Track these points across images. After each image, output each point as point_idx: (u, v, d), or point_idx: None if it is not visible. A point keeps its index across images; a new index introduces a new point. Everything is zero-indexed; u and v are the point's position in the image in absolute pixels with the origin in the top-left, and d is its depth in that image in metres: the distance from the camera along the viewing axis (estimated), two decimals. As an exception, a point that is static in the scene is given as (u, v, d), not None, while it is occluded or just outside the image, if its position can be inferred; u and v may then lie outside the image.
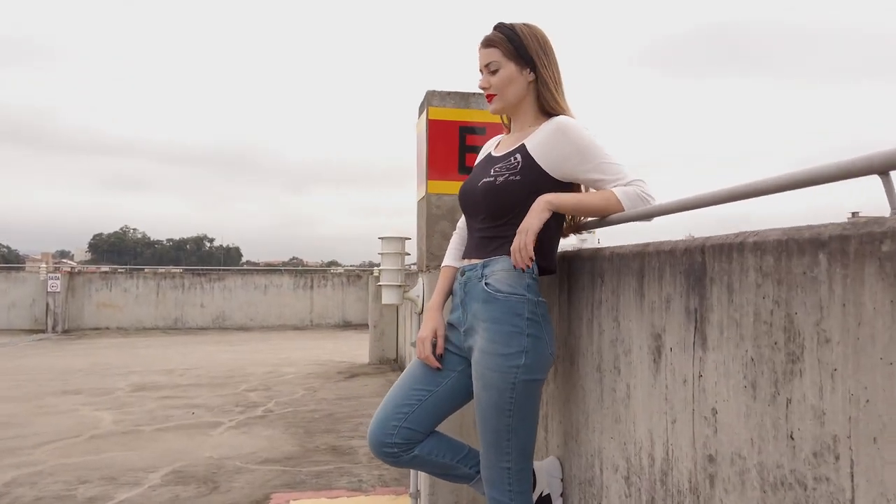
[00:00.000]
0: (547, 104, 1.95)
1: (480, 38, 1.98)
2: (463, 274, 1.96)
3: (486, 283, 1.87)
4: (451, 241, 2.22)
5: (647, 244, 1.55)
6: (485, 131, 2.65)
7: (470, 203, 2.01)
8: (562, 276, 2.14)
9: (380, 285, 2.75)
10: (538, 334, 1.81)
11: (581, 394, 1.95)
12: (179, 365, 8.82)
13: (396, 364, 8.45)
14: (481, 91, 2.56)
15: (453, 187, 2.63)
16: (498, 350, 1.79)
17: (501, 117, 2.15)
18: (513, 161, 1.91)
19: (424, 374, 2.01)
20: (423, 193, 2.67)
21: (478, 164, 2.15)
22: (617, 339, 1.69)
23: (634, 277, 1.59)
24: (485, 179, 1.94)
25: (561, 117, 1.88)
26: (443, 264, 2.16)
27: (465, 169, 2.64)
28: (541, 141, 1.87)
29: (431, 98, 2.65)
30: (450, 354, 2.01)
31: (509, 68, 1.92)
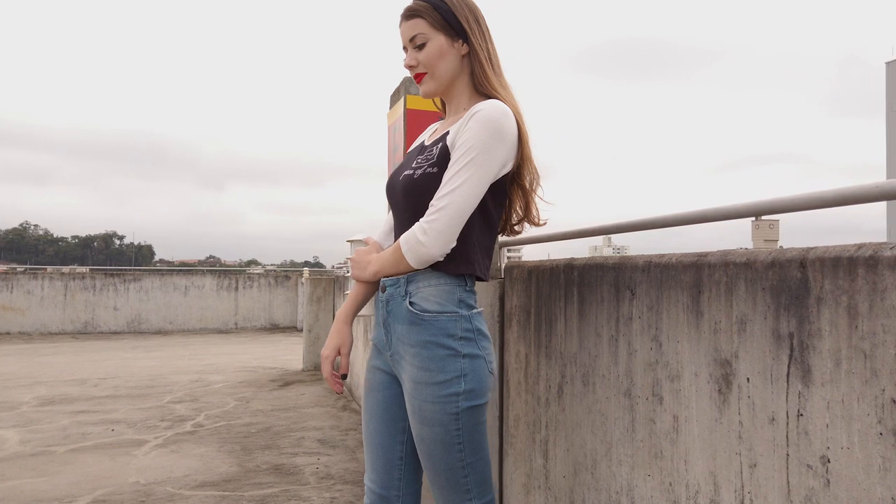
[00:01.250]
0: (480, 83, 1.68)
1: (400, 11, 1.71)
2: (384, 289, 1.68)
3: (410, 303, 1.60)
4: (380, 228, 1.90)
5: (706, 254, 1.34)
6: (468, 124, 2.39)
7: (393, 199, 1.73)
8: (568, 285, 1.91)
9: (346, 293, 2.44)
10: (475, 352, 1.56)
11: (599, 420, 1.72)
12: (93, 374, 8.12)
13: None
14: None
15: (434, 185, 2.36)
16: (432, 378, 1.54)
17: (434, 101, 1.88)
18: (433, 151, 1.64)
19: (383, 419, 1.71)
20: (400, 192, 2.38)
21: (408, 152, 1.87)
22: (657, 363, 1.47)
23: (686, 292, 1.38)
24: (406, 172, 1.67)
25: (488, 102, 1.59)
26: None
27: (446, 165, 2.37)
28: (459, 127, 1.59)
29: (409, 85, 2.37)
30: (388, 384, 1.71)
31: (438, 40, 1.65)
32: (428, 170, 1.60)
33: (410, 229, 1.55)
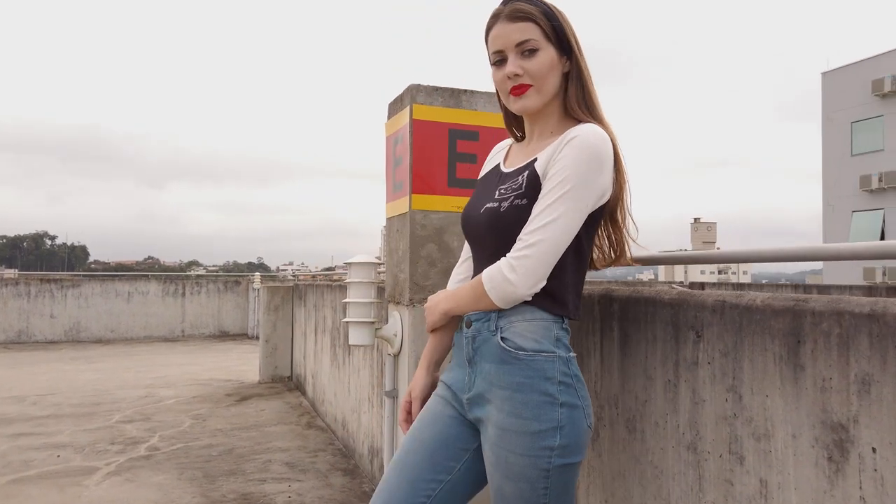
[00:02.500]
0: (574, 106, 1.52)
1: (496, 10, 1.52)
2: (469, 324, 1.50)
3: (502, 338, 1.43)
4: (452, 275, 1.75)
5: (805, 299, 1.18)
6: (477, 137, 2.20)
7: (474, 233, 1.57)
8: (606, 318, 1.74)
9: (347, 321, 2.22)
10: (574, 401, 1.40)
11: (651, 473, 1.55)
12: (31, 389, 7.57)
13: (292, 382, 7.75)
14: (471, 89, 2.15)
15: (442, 203, 2.17)
16: (524, 427, 1.37)
17: (510, 121, 1.70)
18: (519, 180, 1.48)
19: (430, 455, 1.52)
20: (405, 209, 2.17)
21: (482, 179, 1.69)
22: (736, 417, 1.31)
23: (777, 340, 1.22)
24: (489, 205, 1.51)
25: (585, 126, 1.44)
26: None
27: (455, 182, 2.18)
28: (552, 154, 1.44)
29: (416, 94, 2.16)
30: (456, 424, 1.53)
31: (550, 52, 1.48)
32: (515, 201, 1.44)
33: (496, 264, 1.40)
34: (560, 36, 1.49)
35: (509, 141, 1.73)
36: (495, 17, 1.52)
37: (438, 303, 1.57)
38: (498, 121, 2.21)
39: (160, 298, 13.50)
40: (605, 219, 1.55)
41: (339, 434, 5.02)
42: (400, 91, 2.28)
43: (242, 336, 13.96)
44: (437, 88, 2.19)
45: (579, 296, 1.51)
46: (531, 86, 1.49)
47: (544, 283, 1.39)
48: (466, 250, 1.72)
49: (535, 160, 1.48)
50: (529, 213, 1.40)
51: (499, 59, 1.52)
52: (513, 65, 1.48)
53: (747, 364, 1.29)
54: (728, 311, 1.34)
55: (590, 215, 1.43)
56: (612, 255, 1.61)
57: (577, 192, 1.37)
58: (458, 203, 2.17)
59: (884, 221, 24.64)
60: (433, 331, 1.64)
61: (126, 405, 6.62)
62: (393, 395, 2.23)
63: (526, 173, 1.47)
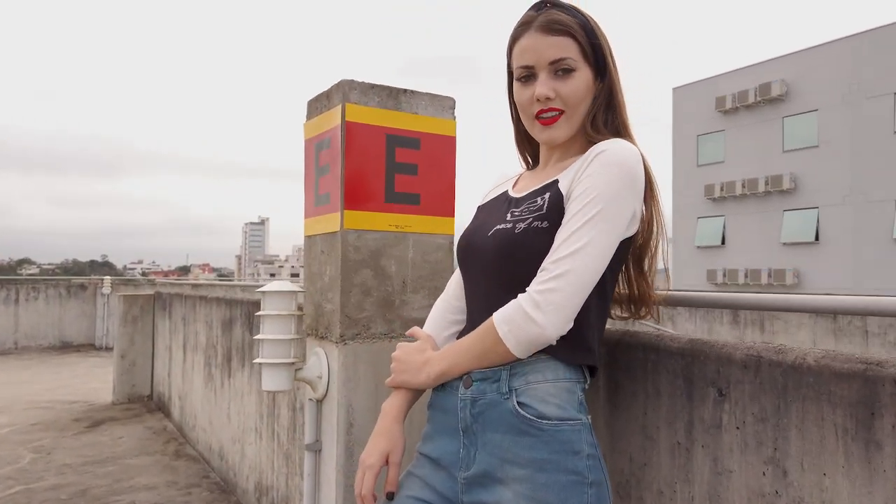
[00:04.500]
0: (603, 128, 1.30)
1: (527, 16, 1.29)
2: (469, 384, 1.23)
3: (519, 403, 1.18)
4: (437, 309, 1.47)
5: (880, 362, 1.00)
6: (418, 144, 1.90)
7: (477, 261, 1.31)
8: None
9: (258, 363, 1.84)
10: (600, 478, 1.18)
11: (653, 549, 1.33)
12: None
13: (153, 403, 6.96)
14: (411, 89, 1.88)
15: (379, 221, 1.84)
16: None
17: (523, 143, 1.47)
18: (538, 202, 1.25)
19: None
20: (335, 228, 1.83)
21: (484, 206, 1.45)
22: (780, 495, 1.11)
23: (841, 411, 1.03)
24: (499, 226, 1.26)
25: (614, 141, 1.23)
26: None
27: (393, 196, 1.86)
28: (577, 172, 1.23)
29: (349, 91, 1.82)
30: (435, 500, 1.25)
31: (587, 74, 1.28)
32: (534, 223, 1.19)
33: (512, 303, 1.15)
34: (598, 55, 1.27)
35: (515, 172, 1.48)
36: (526, 25, 1.27)
37: (428, 362, 1.27)
38: (442, 127, 1.93)
39: (-11, 305, 11.87)
40: (630, 261, 1.32)
41: (216, 465, 4.50)
42: (326, 87, 1.93)
43: (89, 347, 12.59)
44: (372, 86, 1.86)
45: (601, 345, 1.27)
46: (562, 113, 1.27)
47: (572, 324, 1.14)
48: (453, 283, 1.44)
49: (557, 181, 1.25)
50: (550, 239, 1.17)
51: (527, 75, 1.28)
52: (544, 86, 1.25)
53: (795, 434, 1.09)
54: (766, 368, 1.14)
55: (619, 246, 1.21)
56: (632, 308, 1.39)
57: (608, 213, 1.15)
58: (396, 221, 1.86)
59: (724, 227, 26.93)
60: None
61: (-54, 438, 5.62)
62: (315, 448, 1.88)
63: (547, 194, 1.24)
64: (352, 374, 1.81)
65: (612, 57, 1.30)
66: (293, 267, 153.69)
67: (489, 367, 1.20)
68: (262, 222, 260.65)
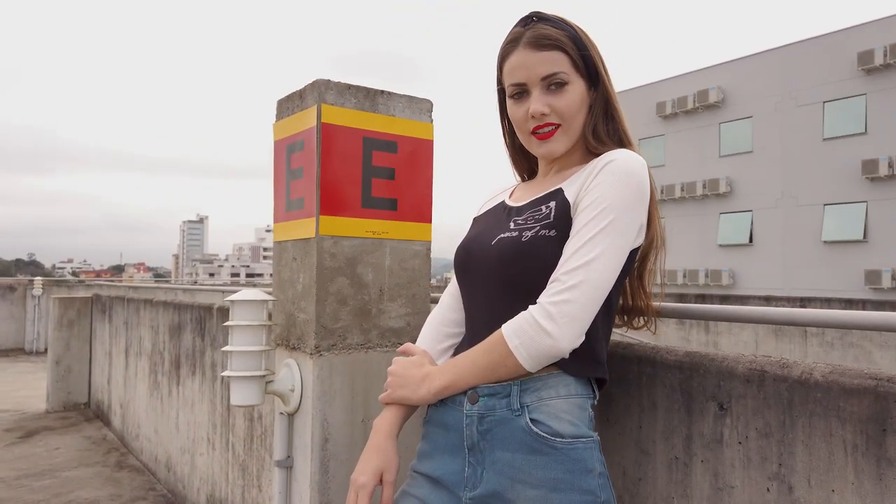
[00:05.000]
0: (610, 137, 1.29)
1: (515, 33, 1.26)
2: (475, 400, 1.19)
3: (531, 420, 1.14)
4: (426, 324, 1.42)
5: (891, 378, 0.99)
6: (396, 148, 1.84)
7: (479, 270, 1.27)
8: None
9: (227, 376, 1.74)
10: (610, 498, 1.16)
11: (648, 566, 1.31)
12: None
13: (91, 411, 6.64)
14: (388, 90, 1.83)
15: (356, 227, 1.77)
16: None
17: (518, 157, 1.44)
18: (544, 210, 1.22)
19: None
20: (310, 234, 1.75)
21: (483, 216, 1.42)
22: (786, 511, 1.10)
23: (851, 427, 1.02)
24: (503, 235, 1.23)
25: (621, 151, 1.22)
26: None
27: (370, 201, 1.79)
28: (584, 182, 1.20)
29: (325, 91, 1.74)
30: None
31: (580, 86, 1.25)
32: (542, 231, 1.16)
33: (524, 314, 1.12)
34: (589, 66, 1.25)
35: (509, 185, 1.45)
36: (514, 42, 1.24)
37: (428, 377, 1.22)
38: (419, 130, 1.87)
39: None
40: (632, 272, 1.30)
41: (163, 477, 4.31)
42: (299, 86, 1.84)
43: (18, 351, 11.96)
44: (349, 87, 1.78)
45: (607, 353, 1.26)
46: (559, 126, 1.24)
47: (584, 337, 1.12)
48: (447, 296, 1.39)
49: (561, 189, 1.23)
50: (558, 247, 1.14)
51: (519, 92, 1.25)
52: (539, 102, 1.22)
53: (801, 450, 1.08)
54: (770, 383, 1.13)
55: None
56: (625, 317, 1.37)
57: (619, 224, 1.13)
58: (373, 227, 1.79)
59: (664, 228, 27.62)
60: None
61: None
62: (287, 464, 1.79)
63: (553, 203, 1.21)
64: (327, 387, 1.73)
65: (603, 65, 1.28)
66: (233, 266, 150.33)
67: (496, 382, 1.16)
68: (201, 220, 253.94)
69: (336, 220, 1.74)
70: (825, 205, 21.53)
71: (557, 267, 1.12)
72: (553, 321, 1.08)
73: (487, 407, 1.17)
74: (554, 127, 1.24)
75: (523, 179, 1.47)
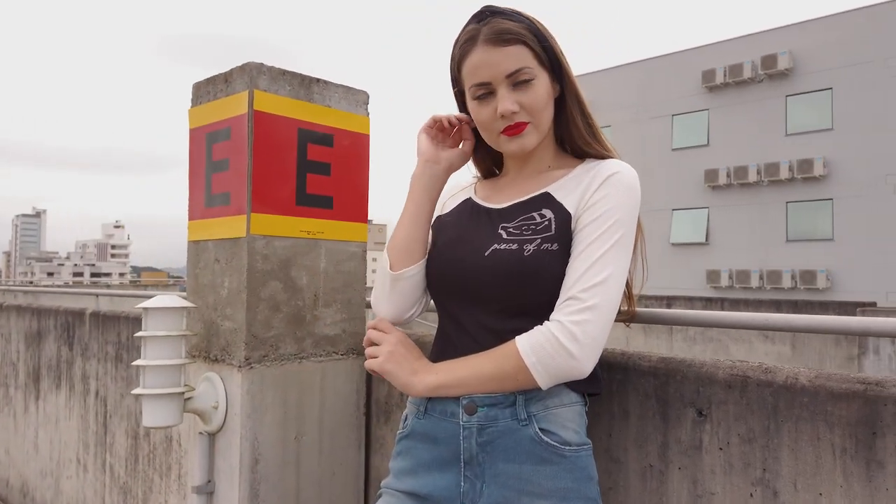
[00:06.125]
0: (588, 136, 1.25)
1: (470, 30, 1.19)
2: (473, 410, 1.13)
3: (541, 430, 1.11)
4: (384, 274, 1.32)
5: (880, 382, 1.02)
6: (332, 141, 1.71)
7: (469, 284, 1.18)
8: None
9: (140, 394, 1.52)
10: None
11: (620, 577, 1.29)
12: None
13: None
14: (324, 79, 1.72)
15: (290, 226, 1.62)
16: None
17: (483, 155, 1.37)
18: (538, 219, 1.17)
19: None
20: (239, 233, 1.57)
21: (448, 220, 1.32)
22: (771, 516, 1.10)
23: (840, 430, 1.04)
24: (496, 246, 1.16)
25: (620, 163, 1.20)
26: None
27: (305, 199, 1.65)
28: (585, 192, 1.16)
29: (257, 76, 1.58)
30: None
31: (544, 80, 1.19)
32: (544, 245, 1.11)
33: (542, 331, 1.07)
34: (551, 57, 1.19)
35: (465, 180, 1.37)
36: (472, 41, 1.16)
37: (431, 370, 1.16)
38: (356, 123, 1.75)
39: None
40: None
41: (17, 503, 3.81)
42: (224, 69, 1.66)
43: None
44: (283, 72, 1.62)
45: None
46: (528, 123, 1.17)
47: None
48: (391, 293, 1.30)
49: (549, 195, 1.18)
50: (561, 262, 1.11)
51: (483, 93, 1.17)
52: (508, 100, 1.15)
53: (787, 454, 1.09)
54: (753, 388, 1.13)
55: None
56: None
57: (627, 240, 1.13)
58: (308, 227, 1.64)
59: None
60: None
61: None
62: (207, 490, 1.60)
63: (550, 212, 1.15)
64: (258, 403, 1.57)
65: (563, 56, 1.23)
66: (76, 266, 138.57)
67: (497, 393, 1.09)
68: (38, 215, 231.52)
69: (269, 218, 1.58)
70: (673, 210, 23.31)
71: (570, 282, 1.08)
72: (577, 343, 1.05)
73: (489, 417, 1.12)
74: (525, 124, 1.18)
75: (483, 175, 1.39)
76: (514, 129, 1.17)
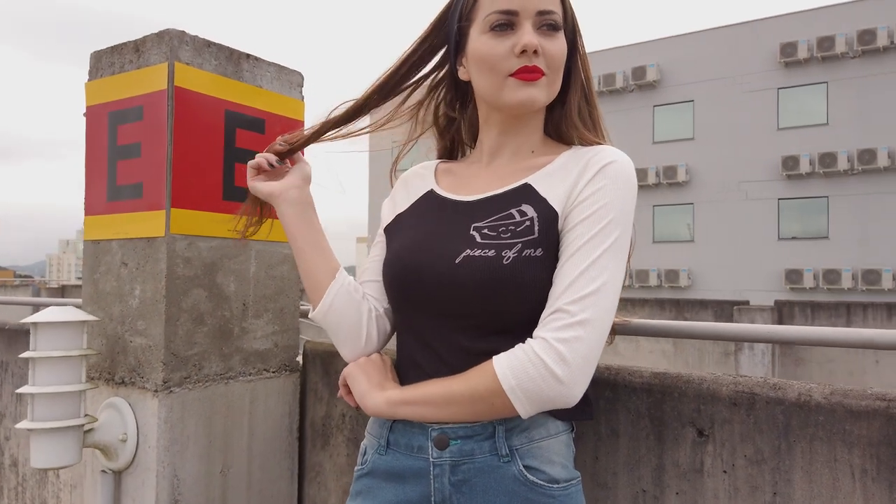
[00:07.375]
0: (583, 120, 1.08)
1: None
2: (444, 444, 0.97)
3: (525, 467, 0.96)
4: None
5: (901, 399, 0.97)
6: (263, 127, 1.48)
7: (433, 293, 1.00)
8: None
9: (28, 429, 1.23)
10: None
11: None
12: None
13: None
14: (255, 55, 1.53)
15: (216, 225, 1.38)
16: None
17: (458, 127, 1.18)
18: (518, 217, 1.00)
19: None
20: (157, 232, 1.32)
21: (409, 216, 1.13)
22: (782, 543, 1.03)
23: (859, 451, 0.98)
24: (469, 252, 0.98)
25: (614, 151, 1.02)
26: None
27: (233, 193, 1.42)
28: (574, 185, 0.99)
29: (178, 46, 1.33)
30: None
31: (563, 40, 1.04)
32: (526, 251, 0.93)
33: (523, 351, 0.91)
34: (571, 24, 1.05)
35: (428, 165, 1.18)
36: None
37: (381, 385, 1.02)
38: (289, 108, 1.54)
39: None
40: None
41: None
42: (134, 36, 1.39)
43: None
44: (209, 44, 1.37)
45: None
46: (545, 74, 1.00)
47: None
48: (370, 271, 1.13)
49: (529, 186, 1.02)
50: (546, 271, 0.95)
51: (505, 23, 0.99)
52: (532, 35, 0.97)
53: (800, 476, 1.02)
54: (762, 406, 1.05)
55: None
56: None
57: (623, 241, 0.96)
58: (238, 225, 1.41)
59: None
60: None
61: None
62: (112, 538, 1.33)
63: (531, 209, 0.98)
64: (178, 433, 1.32)
65: (581, 35, 1.09)
66: None
67: (470, 422, 0.95)
68: None
69: (192, 214, 1.34)
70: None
71: (557, 292, 0.92)
72: (566, 365, 0.88)
73: (463, 452, 0.96)
74: (542, 73, 1.00)
75: (446, 154, 1.21)
76: (531, 74, 0.99)
